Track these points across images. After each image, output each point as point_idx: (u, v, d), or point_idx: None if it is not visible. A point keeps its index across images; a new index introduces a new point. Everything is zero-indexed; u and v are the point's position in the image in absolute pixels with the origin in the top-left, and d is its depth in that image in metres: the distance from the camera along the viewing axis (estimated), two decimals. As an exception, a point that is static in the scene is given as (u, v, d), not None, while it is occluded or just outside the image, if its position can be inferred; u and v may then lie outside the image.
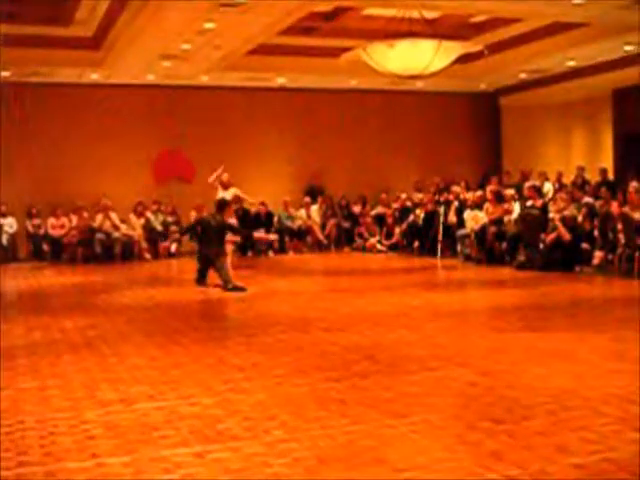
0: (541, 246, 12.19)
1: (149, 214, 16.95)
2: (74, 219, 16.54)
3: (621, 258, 11.34)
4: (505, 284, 11.13)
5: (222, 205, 11.45)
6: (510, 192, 14.50)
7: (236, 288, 10.34)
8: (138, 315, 8.71)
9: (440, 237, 14.94)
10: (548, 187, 16.35)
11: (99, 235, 16.12)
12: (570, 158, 19.41)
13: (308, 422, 4.22)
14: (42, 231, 16.53)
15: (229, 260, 11.43)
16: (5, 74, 15.47)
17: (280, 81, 18.02)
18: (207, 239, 10.96)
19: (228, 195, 12.78)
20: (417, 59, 12.23)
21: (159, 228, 16.93)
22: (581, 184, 16.34)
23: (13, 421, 4.36)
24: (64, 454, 3.81)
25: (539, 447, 3.71)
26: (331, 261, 15.78)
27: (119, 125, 17.71)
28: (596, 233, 12.14)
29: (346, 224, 18.02)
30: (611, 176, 17.14)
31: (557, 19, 13.58)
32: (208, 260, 10.87)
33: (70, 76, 16.51)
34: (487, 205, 13.88)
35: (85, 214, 16.43)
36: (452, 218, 15.11)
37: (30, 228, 16.55)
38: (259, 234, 15.88)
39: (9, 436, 4.09)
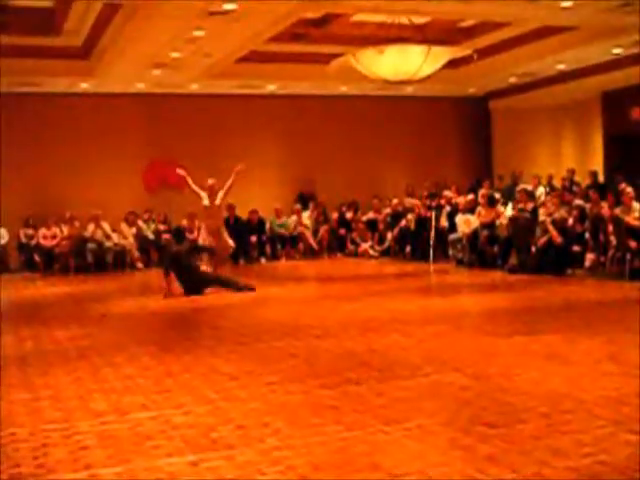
0: (533, 249, 12.21)
1: (140, 223, 16.92)
2: (65, 229, 16.48)
3: (613, 260, 11.37)
4: (497, 288, 11.14)
5: (179, 234, 11.89)
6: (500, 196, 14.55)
7: (247, 287, 10.85)
8: (131, 324, 8.70)
9: (432, 242, 14.96)
10: (541, 191, 16.38)
11: (91, 245, 16.09)
12: (560, 161, 19.48)
13: (302, 429, 4.21)
14: (34, 241, 16.45)
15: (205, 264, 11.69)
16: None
17: (270, 88, 18.02)
18: (185, 269, 10.95)
19: (217, 200, 12.75)
20: (407, 64, 12.26)
21: (151, 237, 16.89)
22: (570, 186, 16.40)
23: (5, 433, 4.34)
24: (57, 465, 3.79)
25: (533, 450, 3.71)
26: (323, 267, 15.77)
27: (109, 134, 17.68)
28: (587, 236, 12.17)
29: (339, 230, 18.01)
30: (601, 178, 17.19)
31: (546, 23, 13.62)
32: (203, 284, 10.90)
33: (60, 86, 16.48)
34: (479, 209, 13.91)
35: (76, 224, 16.38)
36: (444, 222, 15.13)
37: (23, 238, 16.47)
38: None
39: (2, 448, 4.07)
